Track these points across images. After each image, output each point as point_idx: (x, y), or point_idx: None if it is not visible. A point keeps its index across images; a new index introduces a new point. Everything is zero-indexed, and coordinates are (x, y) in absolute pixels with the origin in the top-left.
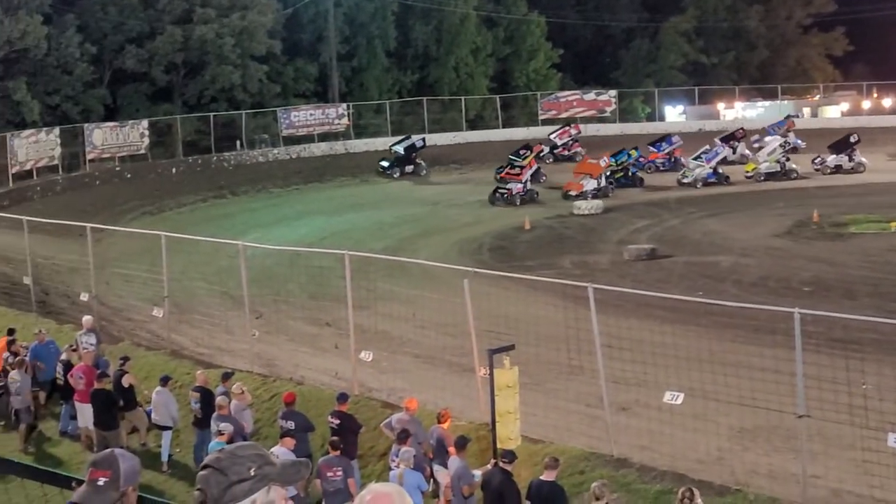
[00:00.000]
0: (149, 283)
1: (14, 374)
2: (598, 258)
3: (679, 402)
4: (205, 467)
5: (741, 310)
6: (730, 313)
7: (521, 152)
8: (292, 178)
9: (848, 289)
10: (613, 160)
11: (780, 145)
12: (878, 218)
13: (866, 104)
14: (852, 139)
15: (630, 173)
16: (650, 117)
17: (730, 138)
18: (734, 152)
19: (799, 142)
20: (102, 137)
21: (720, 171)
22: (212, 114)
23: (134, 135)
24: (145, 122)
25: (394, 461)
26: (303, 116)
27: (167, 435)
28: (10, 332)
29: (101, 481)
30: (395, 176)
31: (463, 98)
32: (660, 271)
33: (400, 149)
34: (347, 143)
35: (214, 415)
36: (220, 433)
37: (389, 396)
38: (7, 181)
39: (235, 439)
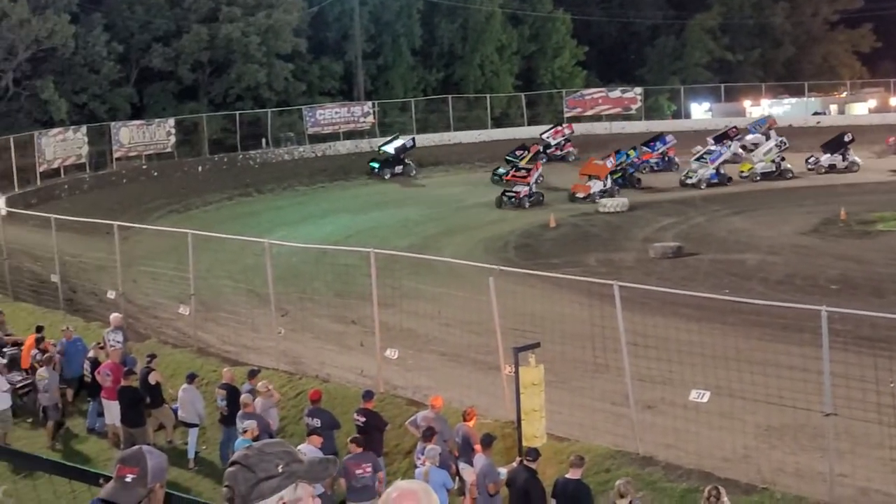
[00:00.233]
0: (175, 280)
1: (42, 372)
2: (623, 256)
3: (705, 400)
4: (233, 464)
5: (768, 308)
6: (756, 311)
7: (518, 153)
8: (317, 176)
9: (876, 287)
10: (602, 161)
11: (776, 145)
12: None
13: (894, 101)
14: (846, 138)
15: (627, 174)
16: (676, 115)
17: (723, 137)
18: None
19: (782, 140)
20: (129, 136)
21: (723, 171)
22: (237, 112)
23: (160, 133)
24: (172, 121)
25: (419, 459)
26: (328, 115)
27: (193, 432)
28: (39, 329)
29: (129, 478)
30: (385, 177)
31: (488, 96)
32: (686, 269)
33: (390, 149)
34: (373, 141)
35: (239, 413)
36: (245, 431)
37: (415, 394)
38: (35, 179)
39: (261, 437)
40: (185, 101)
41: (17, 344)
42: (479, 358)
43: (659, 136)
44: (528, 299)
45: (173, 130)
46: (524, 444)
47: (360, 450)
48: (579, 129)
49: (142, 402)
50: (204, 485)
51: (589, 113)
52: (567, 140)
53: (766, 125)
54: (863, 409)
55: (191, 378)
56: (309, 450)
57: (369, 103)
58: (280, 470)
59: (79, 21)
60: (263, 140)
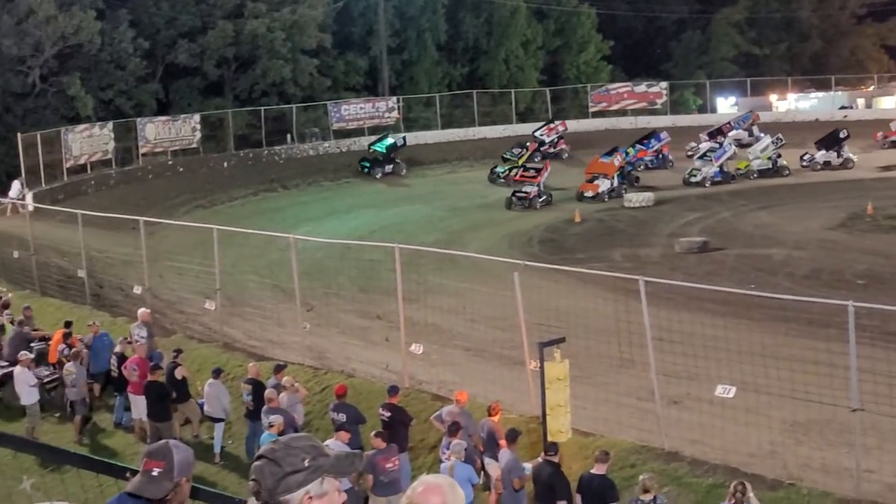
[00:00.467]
0: (201, 276)
1: (69, 366)
2: (649, 251)
3: (731, 395)
4: (259, 458)
5: (794, 303)
6: (782, 306)
7: (516, 151)
8: (342, 171)
9: None
10: (607, 158)
11: (773, 142)
12: None
13: None
14: (841, 135)
15: (625, 172)
16: (702, 109)
17: (716, 133)
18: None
19: (763, 135)
20: (155, 132)
21: (726, 169)
22: (263, 108)
23: (186, 129)
24: (197, 117)
25: (444, 454)
26: (353, 110)
27: (219, 427)
28: (67, 324)
29: (156, 471)
30: (377, 177)
31: (513, 91)
32: (711, 264)
33: (381, 148)
34: (397, 136)
35: (264, 408)
36: (270, 425)
37: (440, 389)
38: (61, 175)
39: (287, 431)
40: (211, 97)
41: (45, 339)
42: (504, 353)
43: (653, 133)
44: (553, 294)
45: (199, 126)
46: (549, 439)
47: (384, 444)
48: (604, 123)
49: (168, 396)
50: (229, 479)
51: (614, 107)
52: (560, 137)
53: (749, 121)
54: (890, 404)
55: (216, 373)
56: (336, 445)
57: (394, 98)
58: (306, 464)
59: (105, 17)
60: (288, 135)
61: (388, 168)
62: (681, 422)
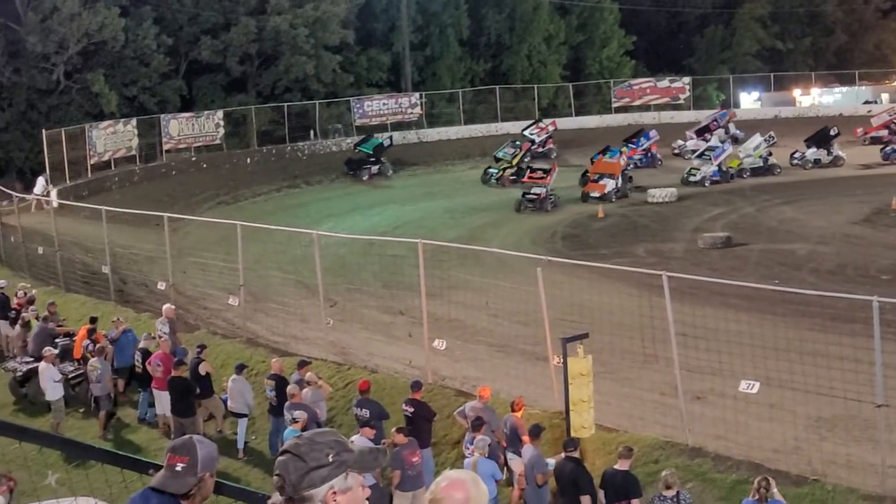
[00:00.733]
0: (224, 272)
1: (94, 362)
2: (672, 246)
3: (755, 391)
4: (283, 453)
5: (818, 298)
6: (807, 302)
7: (508, 151)
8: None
9: None
10: (611, 157)
11: (765, 139)
12: None
13: None
14: (832, 132)
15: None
16: (725, 104)
17: (704, 131)
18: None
19: (739, 133)
20: (178, 128)
21: (724, 168)
22: (286, 104)
23: (209, 125)
24: (220, 113)
25: (468, 449)
26: (376, 106)
27: (243, 422)
28: (93, 320)
29: (179, 467)
30: (364, 178)
31: (536, 86)
32: (735, 259)
33: (367, 149)
34: (420, 132)
35: (287, 403)
36: (294, 421)
37: (463, 385)
38: (86, 172)
39: (310, 427)
40: (234, 94)
41: (69, 335)
42: (527, 348)
43: (641, 132)
44: (577, 290)
45: (222, 122)
46: (572, 434)
47: (406, 440)
48: (627, 118)
49: (192, 392)
50: (253, 474)
51: (637, 103)
52: (549, 137)
53: (726, 118)
54: None
55: (240, 368)
56: (361, 441)
57: (417, 94)
58: (330, 459)
59: (128, 14)
60: (311, 132)
61: (375, 169)
62: (704, 417)
